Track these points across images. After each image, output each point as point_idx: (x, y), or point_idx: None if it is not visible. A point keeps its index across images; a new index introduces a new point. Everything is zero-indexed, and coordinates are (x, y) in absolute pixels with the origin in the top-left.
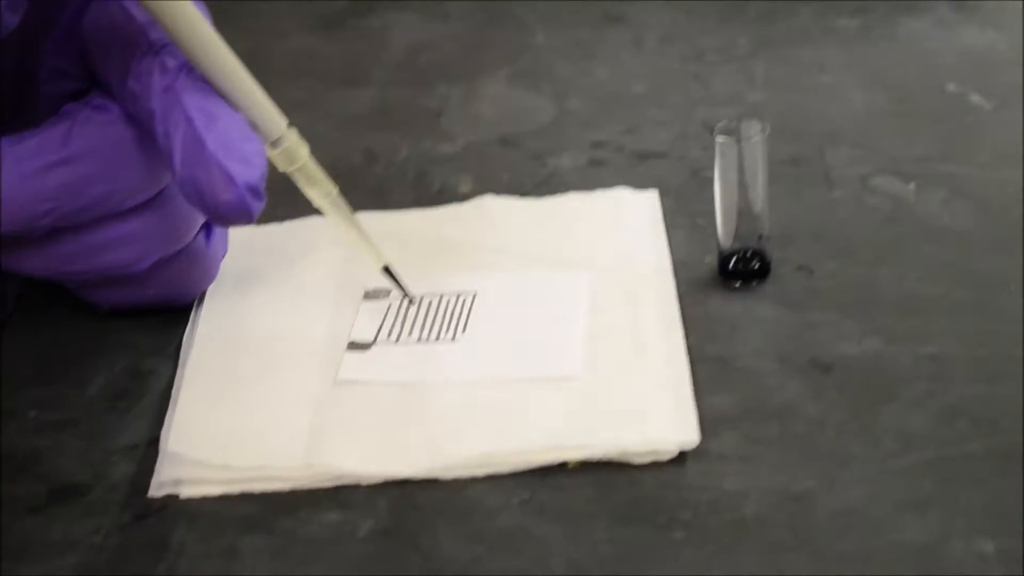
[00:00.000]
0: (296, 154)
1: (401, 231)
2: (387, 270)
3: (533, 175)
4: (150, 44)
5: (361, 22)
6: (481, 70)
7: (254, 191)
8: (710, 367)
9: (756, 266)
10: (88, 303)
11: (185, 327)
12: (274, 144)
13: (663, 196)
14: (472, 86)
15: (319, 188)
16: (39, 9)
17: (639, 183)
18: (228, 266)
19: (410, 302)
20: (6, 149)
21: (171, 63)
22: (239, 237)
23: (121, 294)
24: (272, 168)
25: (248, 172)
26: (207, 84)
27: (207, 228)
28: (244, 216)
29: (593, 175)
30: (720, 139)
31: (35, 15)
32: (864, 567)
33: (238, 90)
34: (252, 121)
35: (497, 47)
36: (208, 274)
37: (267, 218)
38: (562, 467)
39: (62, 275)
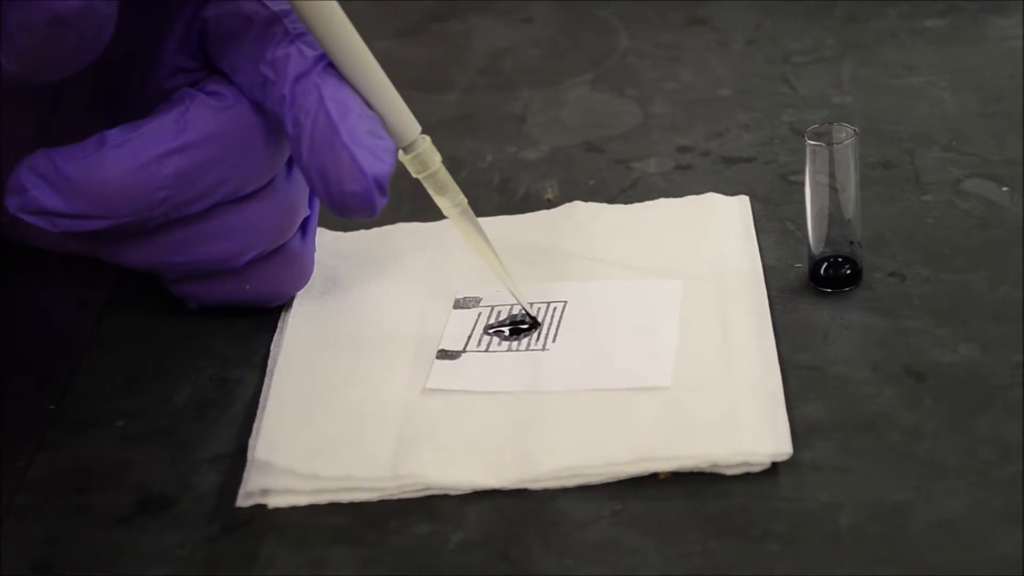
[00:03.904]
0: (429, 160)
1: (491, 238)
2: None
3: (619, 180)
4: (286, 32)
5: (443, 27)
6: (564, 74)
7: (380, 185)
8: (802, 376)
9: (848, 272)
10: (179, 299)
11: (271, 336)
12: (407, 149)
13: (751, 201)
14: (555, 90)
15: (449, 197)
16: (160, 9)
17: (726, 188)
18: (316, 272)
19: (532, 319)
20: (120, 139)
21: (309, 52)
22: (327, 243)
23: (217, 290)
24: None
25: (377, 165)
26: (343, 78)
27: (302, 228)
28: (367, 209)
29: (680, 180)
30: (811, 143)
31: (156, 16)
32: None
33: (377, 91)
34: (387, 123)
35: (580, 51)
36: (304, 274)
37: (354, 224)
38: (653, 478)
39: (162, 267)
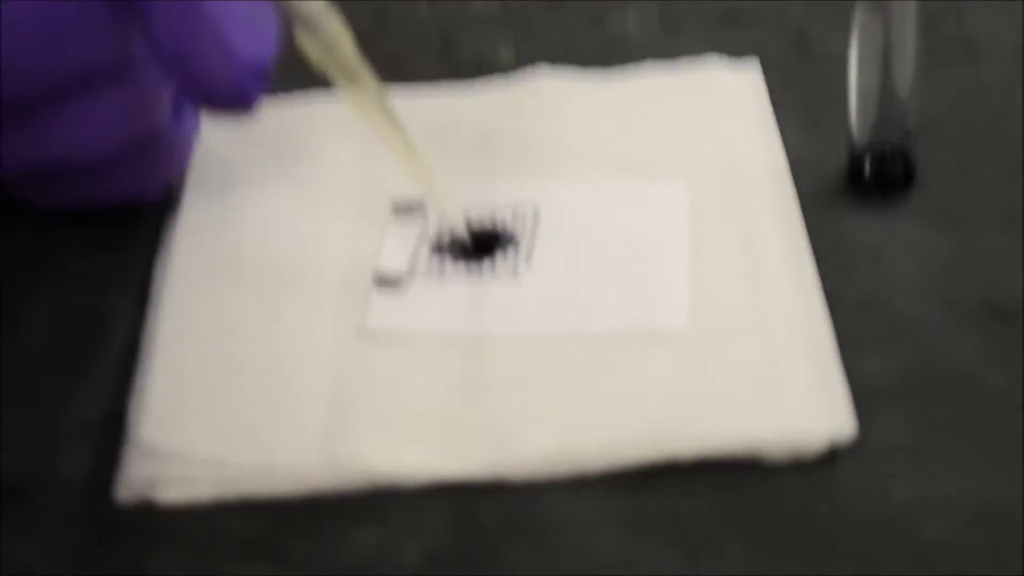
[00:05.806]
0: (335, 42)
1: (433, 120)
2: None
3: (591, 41)
4: None
5: None
6: None
7: (258, 74)
8: (851, 316)
9: (901, 170)
10: (24, 203)
11: (148, 250)
12: (308, 27)
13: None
14: None
15: (357, 85)
16: None
17: (726, 53)
18: (210, 168)
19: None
20: None
21: None
22: (224, 130)
23: (72, 189)
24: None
25: (254, 50)
26: None
27: (174, 109)
28: (240, 103)
29: (667, 42)
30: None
31: None
32: None
33: None
34: None
35: None
36: (175, 161)
37: None
38: (672, 466)
39: (11, 169)
